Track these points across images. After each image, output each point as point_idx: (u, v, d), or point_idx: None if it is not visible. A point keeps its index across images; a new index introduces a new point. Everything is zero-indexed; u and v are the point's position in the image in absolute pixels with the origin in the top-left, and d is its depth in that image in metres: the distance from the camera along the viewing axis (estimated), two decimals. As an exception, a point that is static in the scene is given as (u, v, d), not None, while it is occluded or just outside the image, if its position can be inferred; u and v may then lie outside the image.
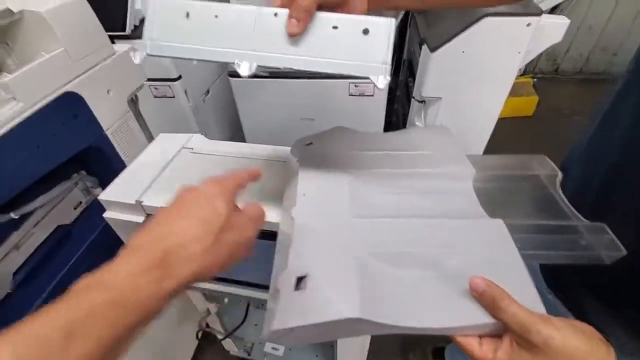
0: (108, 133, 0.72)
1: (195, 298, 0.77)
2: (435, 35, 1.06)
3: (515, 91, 2.12)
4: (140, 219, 0.54)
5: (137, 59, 0.39)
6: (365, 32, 0.37)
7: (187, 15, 0.38)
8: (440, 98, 1.16)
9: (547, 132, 1.99)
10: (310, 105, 1.23)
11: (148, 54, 0.39)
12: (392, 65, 0.38)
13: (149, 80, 0.86)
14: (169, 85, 1.13)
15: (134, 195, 0.54)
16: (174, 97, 1.16)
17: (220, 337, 0.93)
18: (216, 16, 0.38)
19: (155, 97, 1.14)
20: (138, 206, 0.54)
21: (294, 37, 0.37)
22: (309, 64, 0.37)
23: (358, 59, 0.37)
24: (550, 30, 1.01)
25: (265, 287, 0.48)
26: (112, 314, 0.22)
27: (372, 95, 1.17)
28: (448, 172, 0.46)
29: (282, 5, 0.39)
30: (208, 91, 1.33)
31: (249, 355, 1.03)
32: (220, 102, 1.41)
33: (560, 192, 0.44)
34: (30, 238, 0.66)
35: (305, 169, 0.47)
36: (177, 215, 0.29)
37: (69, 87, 0.64)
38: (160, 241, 0.27)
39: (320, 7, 0.37)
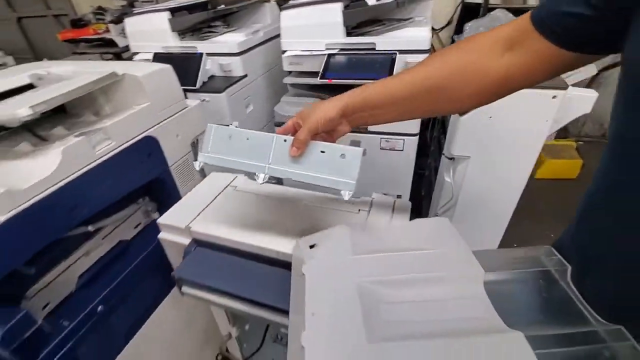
0: (172, 168, 0.88)
1: (219, 318, 0.85)
2: (464, 101, 1.14)
3: (556, 154, 2.09)
4: (186, 241, 0.66)
5: (197, 167, 0.56)
6: (342, 156, 0.51)
7: (230, 137, 0.55)
8: (469, 157, 1.21)
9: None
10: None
11: (205, 163, 0.56)
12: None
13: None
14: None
15: (185, 222, 0.66)
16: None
17: (238, 364, 0.99)
18: (247, 139, 0.54)
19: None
20: (187, 231, 0.65)
21: (295, 157, 0.52)
22: (303, 177, 0.52)
23: (336, 176, 0.51)
24: (578, 102, 1.05)
25: (280, 310, 0.55)
26: None
27: (402, 150, 1.24)
28: (458, 274, 0.45)
29: (289, 130, 0.55)
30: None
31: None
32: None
33: (574, 287, 0.43)
34: (97, 248, 0.80)
35: (311, 280, 0.47)
36: None
37: (149, 132, 0.81)
38: None
39: (316, 134, 0.52)
